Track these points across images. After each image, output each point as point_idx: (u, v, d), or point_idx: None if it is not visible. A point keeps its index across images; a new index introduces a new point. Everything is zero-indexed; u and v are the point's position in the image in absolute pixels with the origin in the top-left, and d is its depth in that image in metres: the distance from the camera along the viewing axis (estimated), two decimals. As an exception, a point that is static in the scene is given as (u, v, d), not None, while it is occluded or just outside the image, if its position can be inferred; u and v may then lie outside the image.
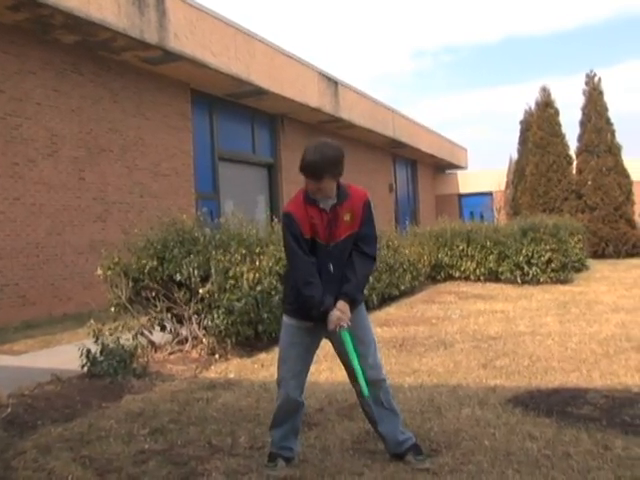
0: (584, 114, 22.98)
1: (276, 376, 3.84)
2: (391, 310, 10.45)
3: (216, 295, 6.86)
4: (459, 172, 36.59)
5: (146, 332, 7.15)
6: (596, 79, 22.94)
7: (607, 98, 22.83)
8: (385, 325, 8.88)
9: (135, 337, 6.78)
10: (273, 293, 7.15)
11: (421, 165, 33.06)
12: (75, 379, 5.96)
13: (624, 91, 76.73)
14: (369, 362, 3.71)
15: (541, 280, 13.46)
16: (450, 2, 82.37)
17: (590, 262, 18.06)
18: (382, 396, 3.75)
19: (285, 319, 3.81)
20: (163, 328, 7.36)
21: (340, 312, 3.52)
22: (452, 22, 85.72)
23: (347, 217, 3.60)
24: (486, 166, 44.63)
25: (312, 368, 6.10)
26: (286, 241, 3.65)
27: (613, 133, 22.74)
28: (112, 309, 7.16)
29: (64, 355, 7.10)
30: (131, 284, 7.17)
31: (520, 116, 26.73)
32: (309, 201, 3.60)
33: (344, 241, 3.60)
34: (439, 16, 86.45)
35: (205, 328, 7.00)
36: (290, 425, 3.76)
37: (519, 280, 13.58)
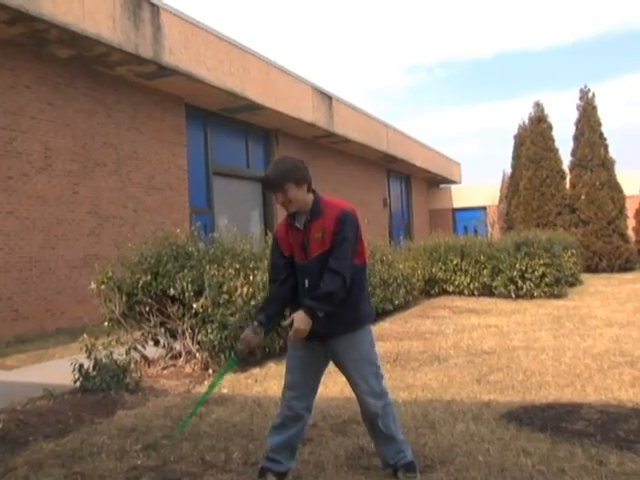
0: (578, 129, 23.10)
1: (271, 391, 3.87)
2: (385, 325, 10.44)
3: (210, 310, 6.84)
4: (453, 187, 36.72)
5: (139, 347, 7.12)
6: (590, 94, 23.09)
7: (601, 112, 23.00)
8: (379, 340, 8.85)
9: (128, 352, 6.75)
10: (267, 308, 7.12)
11: (415, 180, 33.16)
12: (67, 394, 5.93)
13: (621, 105, 77.22)
14: (362, 389, 3.65)
15: (535, 295, 13.47)
16: (445, 17, 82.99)
17: (584, 276, 18.10)
18: (380, 421, 3.67)
19: None
20: (156, 343, 7.34)
21: (295, 319, 3.47)
22: (447, 37, 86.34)
23: (318, 235, 3.55)
24: (480, 181, 44.77)
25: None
26: (270, 257, 3.91)
27: (606, 148, 22.85)
28: (105, 324, 7.15)
29: (57, 370, 7.06)
30: (124, 299, 7.15)
31: (514, 131, 26.86)
32: (289, 222, 3.70)
33: (316, 259, 3.55)
34: (434, 31, 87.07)
35: (199, 343, 6.98)
36: (286, 436, 3.70)
37: (513, 295, 13.59)
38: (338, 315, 3.54)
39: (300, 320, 3.45)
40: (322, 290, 3.47)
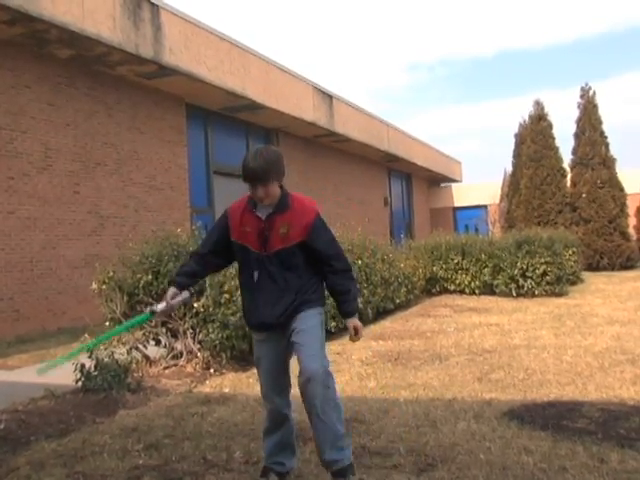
0: (578, 127, 23.08)
1: None
2: (386, 324, 10.44)
3: (211, 309, 6.84)
4: (454, 185, 36.71)
5: (141, 346, 7.13)
6: (591, 92, 23.08)
7: (602, 110, 23.00)
8: (380, 339, 8.87)
9: (129, 352, 6.75)
10: (268, 307, 7.12)
11: (416, 178, 33.15)
12: (69, 394, 5.94)
13: (622, 103, 77.16)
14: (305, 353, 3.49)
15: (536, 293, 13.47)
16: (446, 15, 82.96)
17: (585, 275, 18.10)
18: (318, 403, 3.44)
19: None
20: (158, 342, 7.34)
21: (357, 327, 3.64)
22: (448, 35, 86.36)
23: (283, 229, 3.47)
24: (481, 179, 44.80)
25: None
26: (208, 232, 3.89)
27: (607, 146, 22.84)
28: (107, 323, 7.15)
29: (58, 370, 7.03)
30: (126, 298, 7.15)
31: (515, 129, 26.86)
32: (249, 208, 3.58)
33: (277, 254, 3.48)
34: (435, 29, 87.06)
35: (200, 342, 6.98)
36: (279, 437, 3.71)
37: (514, 293, 13.59)
38: (295, 301, 3.51)
39: (359, 324, 3.66)
40: (348, 289, 3.63)
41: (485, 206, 33.05)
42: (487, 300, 13.40)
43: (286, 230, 3.47)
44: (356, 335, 3.63)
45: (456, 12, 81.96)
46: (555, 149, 23.20)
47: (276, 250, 3.47)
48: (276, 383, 3.69)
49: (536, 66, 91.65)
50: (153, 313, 3.71)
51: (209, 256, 3.72)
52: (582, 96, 23.17)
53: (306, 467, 3.92)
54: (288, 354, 3.67)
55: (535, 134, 23.38)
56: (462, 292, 14.49)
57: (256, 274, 3.54)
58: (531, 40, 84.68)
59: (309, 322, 3.54)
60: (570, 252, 16.04)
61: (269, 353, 3.66)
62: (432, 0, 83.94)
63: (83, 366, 6.04)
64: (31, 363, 8.09)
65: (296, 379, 3.50)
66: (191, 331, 7.04)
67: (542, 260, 13.50)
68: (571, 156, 23.24)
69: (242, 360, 7.15)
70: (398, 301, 11.93)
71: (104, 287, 7.27)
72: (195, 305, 6.87)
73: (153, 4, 12.69)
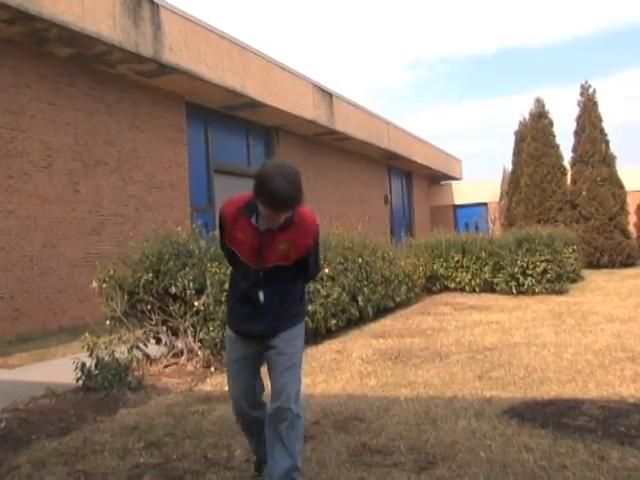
0: (578, 125, 23.07)
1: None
2: (387, 322, 10.44)
3: (211, 307, 6.85)
4: (454, 183, 36.70)
5: (141, 345, 7.13)
6: (591, 90, 23.06)
7: (603, 108, 22.98)
8: (381, 337, 8.87)
9: (130, 350, 6.76)
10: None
11: (416, 176, 33.15)
12: (70, 393, 5.94)
13: (622, 100, 77.13)
14: (277, 384, 3.41)
15: (536, 291, 13.47)
16: (445, 13, 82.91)
17: (585, 272, 18.10)
18: (284, 431, 3.36)
19: (227, 330, 3.67)
20: (158, 341, 7.35)
21: None
22: (448, 33, 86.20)
23: (283, 247, 3.25)
24: (481, 177, 44.80)
25: (308, 380, 6.12)
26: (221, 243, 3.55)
27: (607, 143, 22.82)
28: (107, 322, 7.15)
29: (59, 369, 7.08)
30: (126, 297, 7.15)
31: (515, 127, 26.83)
32: (246, 214, 3.25)
33: (272, 270, 3.29)
34: (435, 27, 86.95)
35: (201, 341, 6.99)
36: (258, 437, 3.67)
37: (514, 291, 13.59)
38: (283, 313, 3.38)
39: None
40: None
41: (485, 204, 33.07)
42: (487, 298, 13.40)
43: (286, 248, 3.25)
44: None
45: (456, 10, 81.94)
46: (555, 147, 23.19)
47: (272, 266, 3.30)
48: (254, 388, 3.62)
49: (536, 64, 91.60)
50: None
51: None
52: (582, 94, 23.16)
53: (307, 465, 3.92)
54: (262, 361, 3.58)
55: (535, 132, 23.37)
56: (462, 290, 14.49)
57: (243, 284, 3.40)
58: (531, 37, 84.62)
59: (294, 345, 3.44)
60: (570, 250, 16.04)
61: (250, 360, 3.53)
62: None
63: (84, 365, 6.05)
64: (31, 362, 8.11)
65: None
66: (192, 329, 7.05)
67: (542, 258, 13.49)
68: (571, 154, 23.24)
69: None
70: (398, 299, 11.93)
71: (104, 286, 7.27)
72: (196, 303, 6.88)
73: (153, 3, 12.69)
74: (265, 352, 3.46)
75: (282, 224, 3.18)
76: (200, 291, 6.98)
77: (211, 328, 6.77)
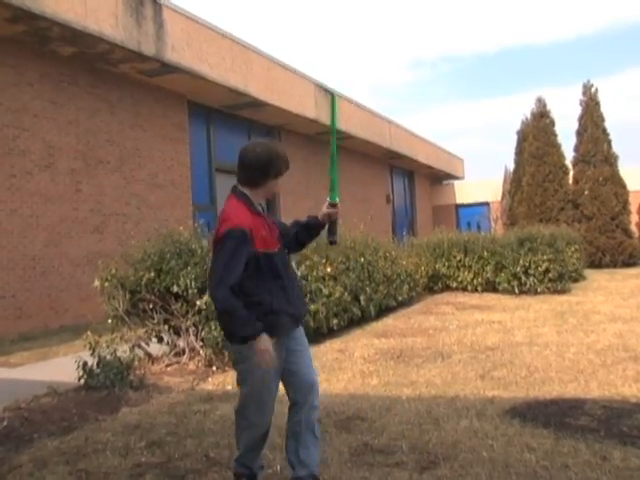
0: (580, 124, 23.03)
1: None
2: (389, 321, 10.44)
3: (213, 306, 6.84)
4: (456, 182, 36.67)
5: (143, 344, 7.14)
6: (593, 89, 23.02)
7: (606, 107, 22.96)
8: (383, 336, 8.87)
9: (132, 349, 6.77)
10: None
11: (418, 176, 33.13)
12: (72, 391, 5.95)
13: (624, 100, 77.05)
14: (309, 377, 3.44)
15: (538, 290, 13.46)
16: (449, 12, 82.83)
17: (587, 272, 18.08)
18: (315, 423, 3.44)
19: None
20: (160, 340, 7.35)
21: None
22: (451, 32, 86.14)
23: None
24: (483, 176, 44.77)
25: (310, 380, 6.11)
26: (227, 257, 3.14)
27: (609, 143, 22.80)
28: (109, 321, 7.16)
29: (61, 367, 7.08)
30: (128, 296, 7.17)
31: (517, 126, 26.79)
32: (252, 210, 3.30)
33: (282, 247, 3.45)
34: (438, 26, 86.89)
35: (202, 340, 6.99)
36: (262, 448, 3.67)
37: (516, 290, 13.57)
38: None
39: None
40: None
41: (487, 203, 33.03)
42: (489, 297, 13.39)
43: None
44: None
45: (459, 8, 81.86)
46: (557, 146, 23.17)
47: (280, 246, 3.43)
48: (273, 400, 3.48)
49: (539, 63, 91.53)
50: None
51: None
52: (584, 93, 23.12)
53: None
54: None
55: (537, 131, 23.35)
56: (464, 289, 14.48)
57: (283, 272, 3.33)
58: (534, 36, 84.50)
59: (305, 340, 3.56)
60: (572, 249, 16.02)
61: (278, 361, 3.32)
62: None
63: (85, 364, 6.06)
64: (33, 361, 8.12)
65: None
66: (193, 328, 7.06)
67: (544, 257, 13.48)
68: (573, 153, 23.21)
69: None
70: (400, 298, 11.93)
71: (106, 285, 7.28)
72: (198, 302, 6.89)
73: (155, 2, 12.68)
74: (287, 347, 3.38)
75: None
76: (202, 290, 6.98)
77: (213, 327, 6.78)
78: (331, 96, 3.95)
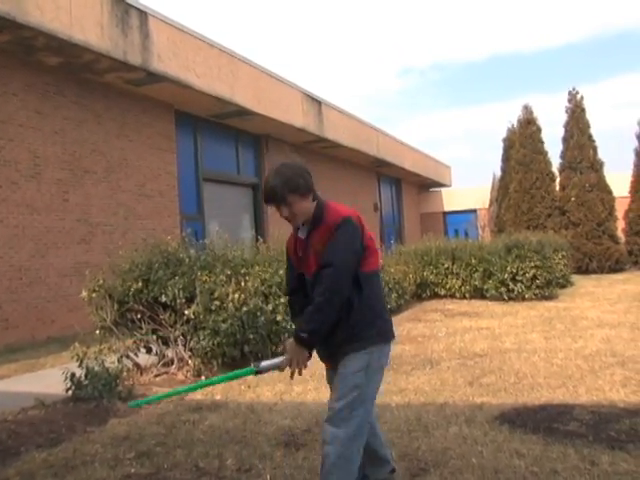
0: (566, 131, 23.22)
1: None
2: (377, 329, 10.41)
3: (202, 316, 6.83)
4: (443, 190, 36.81)
5: (131, 354, 7.10)
6: (578, 97, 23.23)
7: (591, 114, 23.14)
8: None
9: (120, 360, 6.72)
10: (259, 314, 7.13)
11: (405, 184, 33.22)
12: (59, 403, 5.90)
13: (610, 107, 77.69)
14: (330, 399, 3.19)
15: (526, 297, 13.52)
16: (438, 20, 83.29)
17: (574, 278, 18.17)
18: (326, 458, 3.05)
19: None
20: (149, 350, 7.32)
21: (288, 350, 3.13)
22: (439, 40, 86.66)
23: (318, 247, 3.10)
24: (470, 184, 44.94)
25: (299, 388, 6.12)
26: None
27: (595, 149, 22.98)
28: (97, 332, 7.12)
29: (48, 379, 7.03)
30: (116, 306, 7.13)
31: (504, 134, 26.95)
32: (294, 232, 3.32)
33: (315, 276, 3.09)
34: (427, 34, 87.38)
35: (191, 349, 6.97)
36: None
37: (504, 297, 13.63)
38: (334, 331, 3.07)
39: (293, 352, 3.08)
40: (307, 312, 3.03)
41: (475, 210, 33.16)
42: (478, 304, 13.43)
43: (321, 247, 3.08)
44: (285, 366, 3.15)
45: (448, 17, 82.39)
46: (544, 153, 23.33)
47: (313, 271, 3.11)
48: None
49: (526, 70, 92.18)
50: (258, 372, 3.21)
51: (294, 295, 3.37)
52: (570, 100, 23.32)
53: (299, 473, 3.91)
54: None
55: (524, 138, 23.51)
56: (453, 297, 14.52)
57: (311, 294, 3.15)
58: (522, 44, 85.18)
59: (350, 365, 3.12)
60: (560, 256, 16.10)
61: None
62: (423, 5, 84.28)
63: (73, 375, 6.01)
64: (20, 372, 8.05)
65: None
66: (182, 338, 7.03)
67: (532, 264, 13.55)
68: (560, 160, 23.39)
69: (233, 367, 7.11)
70: (389, 306, 11.92)
71: (94, 295, 7.25)
72: (186, 312, 6.87)
73: (141, 11, 12.68)
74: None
75: (314, 223, 3.16)
76: (190, 300, 6.97)
77: (201, 337, 6.76)
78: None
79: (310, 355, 3.14)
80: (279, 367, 3.15)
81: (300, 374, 3.19)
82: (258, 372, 3.18)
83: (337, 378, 3.14)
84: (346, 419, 3.03)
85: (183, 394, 3.14)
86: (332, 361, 3.23)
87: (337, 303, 2.98)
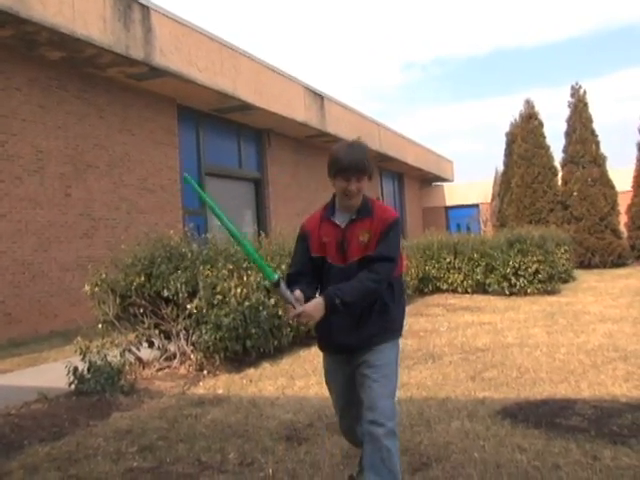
0: (569, 125, 23.13)
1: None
2: (379, 323, 10.42)
3: (204, 311, 6.84)
4: (445, 185, 36.78)
5: (134, 349, 7.11)
6: (581, 91, 23.14)
7: (595, 109, 23.07)
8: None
9: (123, 354, 6.73)
10: (261, 308, 7.13)
11: (408, 178, 33.19)
12: (62, 397, 5.92)
13: (613, 101, 77.49)
14: (377, 391, 3.13)
15: (528, 291, 13.50)
16: (440, 14, 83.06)
17: (577, 273, 18.14)
18: (384, 449, 3.05)
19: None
20: (151, 344, 7.33)
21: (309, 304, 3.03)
22: (442, 34, 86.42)
23: (364, 237, 3.14)
24: (472, 178, 44.89)
25: (301, 382, 6.12)
26: (294, 251, 3.43)
27: (598, 144, 22.89)
28: (99, 326, 7.13)
29: (51, 373, 7.05)
30: (118, 301, 7.14)
31: (506, 128, 26.87)
32: (326, 216, 3.28)
33: (357, 264, 3.11)
34: (429, 29, 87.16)
35: (193, 344, 6.98)
36: None
37: (506, 292, 13.61)
38: (366, 324, 3.15)
39: (313, 307, 3.01)
40: (350, 286, 3.03)
41: (477, 205, 33.14)
42: (480, 299, 13.42)
43: (367, 238, 3.13)
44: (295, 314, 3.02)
45: (451, 11, 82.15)
46: (546, 148, 23.26)
47: (354, 260, 3.13)
48: (346, 406, 3.42)
49: (528, 64, 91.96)
50: (274, 284, 3.06)
51: (300, 276, 3.28)
52: (572, 95, 23.23)
53: (301, 467, 3.92)
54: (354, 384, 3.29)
55: (526, 133, 23.44)
56: (455, 291, 14.52)
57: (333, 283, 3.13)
58: (524, 39, 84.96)
59: (387, 355, 3.22)
60: (562, 250, 16.08)
61: (345, 379, 3.33)
62: (426, 0, 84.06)
63: (76, 369, 6.03)
64: (23, 366, 8.07)
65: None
66: (184, 333, 7.04)
67: (534, 258, 13.52)
68: (562, 154, 23.32)
69: (235, 361, 7.15)
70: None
71: (96, 289, 7.25)
72: (188, 307, 6.87)
73: (143, 6, 12.67)
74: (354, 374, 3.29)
75: (361, 213, 3.20)
76: (192, 294, 6.97)
77: (204, 331, 6.76)
78: (185, 178, 3.72)
79: (320, 320, 3.09)
80: (288, 304, 3.05)
81: (298, 324, 3.19)
82: (274, 285, 3.06)
83: (373, 370, 3.16)
84: (392, 411, 3.14)
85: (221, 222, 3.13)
86: (348, 351, 3.23)
87: (378, 293, 3.11)
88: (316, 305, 3.01)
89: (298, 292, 3.06)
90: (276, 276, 3.04)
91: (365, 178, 3.22)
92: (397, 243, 3.21)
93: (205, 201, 3.33)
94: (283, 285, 3.05)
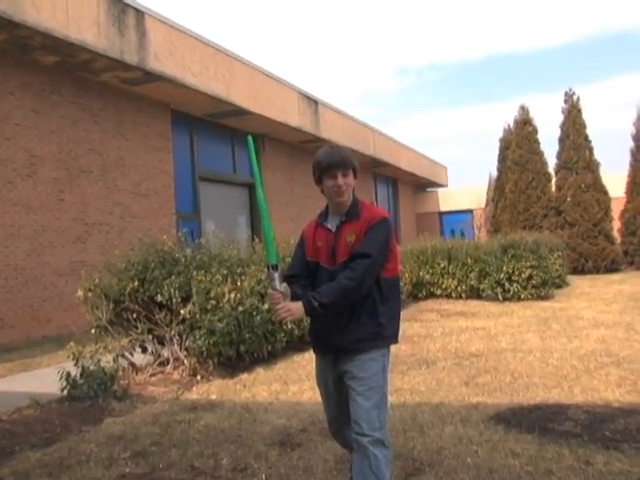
0: (563, 131, 23.23)
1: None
2: (373, 328, 10.42)
3: (197, 316, 6.83)
4: (439, 190, 36.82)
5: (127, 354, 7.09)
6: (575, 97, 23.25)
7: (587, 115, 23.14)
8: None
9: (116, 359, 6.72)
10: (255, 313, 7.13)
11: (402, 184, 33.24)
12: (55, 403, 5.90)
13: (607, 107, 77.85)
14: (360, 407, 3.09)
15: (522, 297, 13.53)
16: (435, 20, 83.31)
17: (570, 278, 18.20)
18: (368, 462, 3.02)
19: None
20: (144, 350, 7.31)
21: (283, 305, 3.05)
22: (436, 40, 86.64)
23: (350, 238, 3.16)
24: (466, 184, 45.03)
25: (295, 388, 6.12)
26: (292, 256, 3.53)
27: (591, 150, 22.99)
28: (92, 331, 7.11)
29: (43, 378, 7.02)
30: (112, 306, 7.12)
31: (500, 134, 26.95)
32: (320, 222, 3.35)
33: (344, 265, 3.11)
34: (423, 35, 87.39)
35: (187, 349, 6.96)
36: None
37: (500, 297, 13.64)
38: (356, 325, 3.12)
39: (294, 305, 3.04)
40: (327, 289, 3.05)
41: (471, 211, 33.18)
42: (473, 304, 13.44)
43: (353, 239, 3.15)
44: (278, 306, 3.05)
45: (444, 17, 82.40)
46: (540, 153, 23.36)
47: (342, 262, 3.14)
48: (337, 412, 3.37)
49: (523, 70, 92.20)
50: (269, 267, 3.08)
51: (295, 279, 3.31)
52: (566, 101, 23.34)
53: (294, 473, 3.92)
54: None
55: (520, 139, 23.54)
56: (449, 296, 14.53)
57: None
58: (519, 44, 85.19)
59: (371, 368, 3.13)
60: (555, 256, 16.12)
61: (333, 383, 3.30)
62: (420, 5, 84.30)
63: (69, 374, 6.01)
64: (16, 372, 8.03)
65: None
66: (177, 338, 7.03)
67: (528, 264, 13.55)
68: (556, 160, 23.41)
69: (229, 366, 7.14)
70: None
71: (90, 294, 7.23)
72: (182, 312, 6.86)
73: (138, 10, 12.67)
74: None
75: (349, 215, 3.25)
76: (186, 299, 6.97)
77: (197, 336, 6.75)
78: (247, 139, 3.62)
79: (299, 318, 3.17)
80: (274, 290, 3.07)
81: (277, 318, 3.21)
82: (271, 267, 3.07)
83: (358, 383, 3.11)
84: (379, 422, 3.09)
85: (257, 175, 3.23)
86: (337, 352, 3.20)
87: (359, 293, 3.07)
88: (297, 305, 3.05)
89: (286, 285, 3.14)
90: (271, 267, 3.08)
91: (350, 173, 3.30)
92: (381, 241, 3.14)
93: (253, 167, 3.39)
94: (278, 274, 3.08)
